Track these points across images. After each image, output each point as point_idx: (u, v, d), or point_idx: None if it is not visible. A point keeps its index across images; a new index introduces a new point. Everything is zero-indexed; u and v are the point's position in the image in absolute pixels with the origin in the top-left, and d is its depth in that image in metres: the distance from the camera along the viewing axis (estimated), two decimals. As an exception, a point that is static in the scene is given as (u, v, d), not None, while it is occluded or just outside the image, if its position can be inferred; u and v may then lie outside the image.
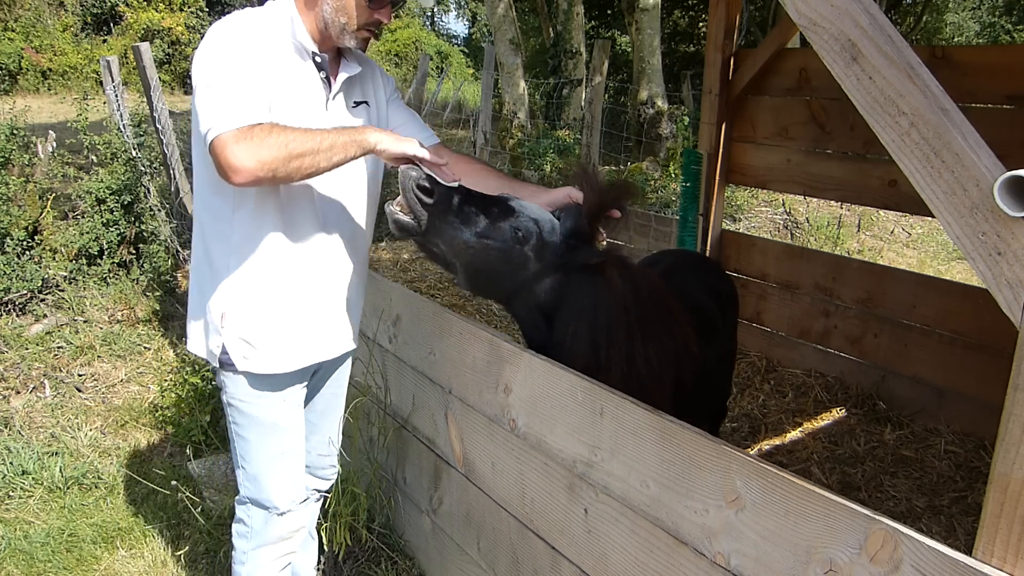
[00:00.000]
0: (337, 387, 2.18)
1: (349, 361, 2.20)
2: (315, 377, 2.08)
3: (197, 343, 1.89)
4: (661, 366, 1.90)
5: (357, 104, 1.92)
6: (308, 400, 2.09)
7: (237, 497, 2.03)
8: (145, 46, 5.88)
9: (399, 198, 1.75)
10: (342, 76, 1.85)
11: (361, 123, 1.89)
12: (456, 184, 1.79)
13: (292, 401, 1.93)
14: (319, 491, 2.28)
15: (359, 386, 2.62)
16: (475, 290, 1.99)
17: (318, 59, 1.80)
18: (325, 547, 2.47)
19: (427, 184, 1.72)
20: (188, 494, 2.67)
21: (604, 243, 1.93)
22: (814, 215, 7.75)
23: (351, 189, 1.93)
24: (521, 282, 1.84)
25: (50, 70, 20.32)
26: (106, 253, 5.16)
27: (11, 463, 3.25)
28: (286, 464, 1.96)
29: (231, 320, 1.80)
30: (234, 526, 2.06)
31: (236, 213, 1.76)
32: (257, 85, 1.63)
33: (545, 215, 1.85)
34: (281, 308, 1.84)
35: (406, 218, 1.75)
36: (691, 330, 2.06)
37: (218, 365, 1.84)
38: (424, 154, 1.73)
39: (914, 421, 3.69)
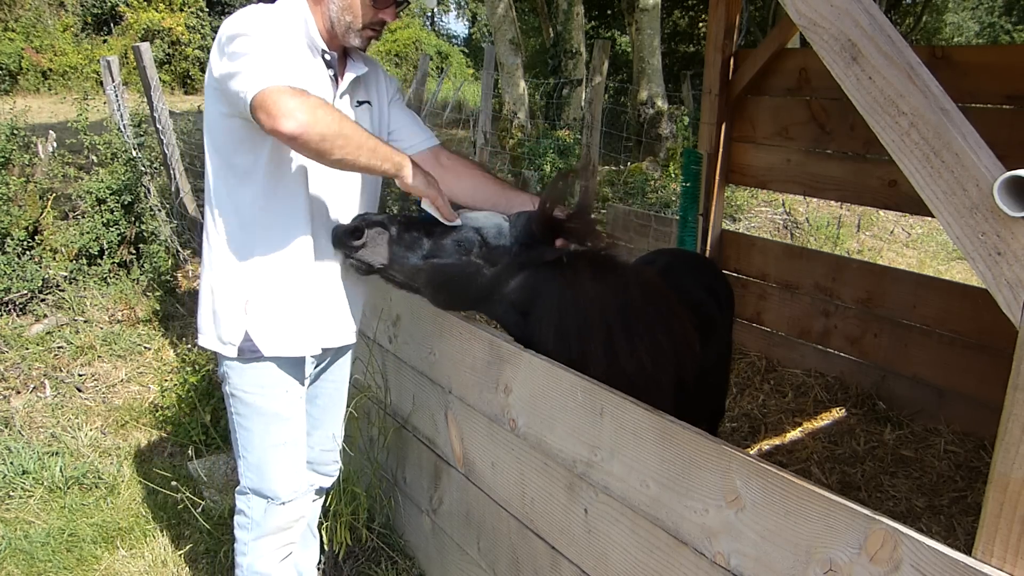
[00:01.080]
0: (338, 381, 2.20)
1: (349, 356, 2.22)
2: (317, 370, 2.09)
3: (209, 335, 1.90)
4: (656, 364, 1.89)
5: (360, 104, 1.96)
6: (310, 394, 2.11)
7: (238, 488, 2.04)
8: (145, 46, 5.89)
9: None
10: (349, 76, 1.89)
11: (365, 124, 1.94)
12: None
13: (295, 392, 1.95)
14: (322, 487, 2.29)
15: (359, 386, 2.62)
16: (444, 305, 2.05)
17: (327, 57, 1.83)
18: (325, 546, 2.47)
19: (353, 231, 1.83)
20: (188, 494, 2.67)
21: (600, 240, 1.94)
22: (814, 215, 7.75)
23: (356, 183, 1.98)
24: (483, 287, 1.89)
25: (50, 70, 20.34)
26: (106, 253, 5.16)
27: (11, 463, 3.25)
28: (287, 454, 1.98)
29: (255, 306, 1.83)
30: (235, 518, 2.07)
31: (266, 204, 1.79)
32: (294, 59, 1.70)
33: (492, 221, 1.92)
34: (300, 294, 1.87)
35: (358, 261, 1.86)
36: (691, 328, 2.06)
37: (235, 354, 1.85)
38: (440, 203, 1.84)
39: (914, 421, 3.69)
